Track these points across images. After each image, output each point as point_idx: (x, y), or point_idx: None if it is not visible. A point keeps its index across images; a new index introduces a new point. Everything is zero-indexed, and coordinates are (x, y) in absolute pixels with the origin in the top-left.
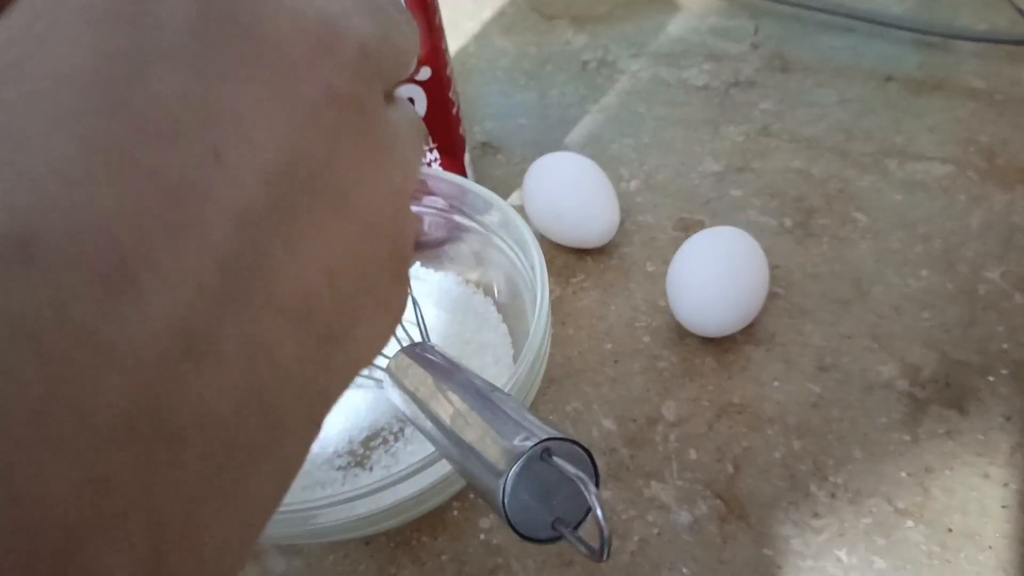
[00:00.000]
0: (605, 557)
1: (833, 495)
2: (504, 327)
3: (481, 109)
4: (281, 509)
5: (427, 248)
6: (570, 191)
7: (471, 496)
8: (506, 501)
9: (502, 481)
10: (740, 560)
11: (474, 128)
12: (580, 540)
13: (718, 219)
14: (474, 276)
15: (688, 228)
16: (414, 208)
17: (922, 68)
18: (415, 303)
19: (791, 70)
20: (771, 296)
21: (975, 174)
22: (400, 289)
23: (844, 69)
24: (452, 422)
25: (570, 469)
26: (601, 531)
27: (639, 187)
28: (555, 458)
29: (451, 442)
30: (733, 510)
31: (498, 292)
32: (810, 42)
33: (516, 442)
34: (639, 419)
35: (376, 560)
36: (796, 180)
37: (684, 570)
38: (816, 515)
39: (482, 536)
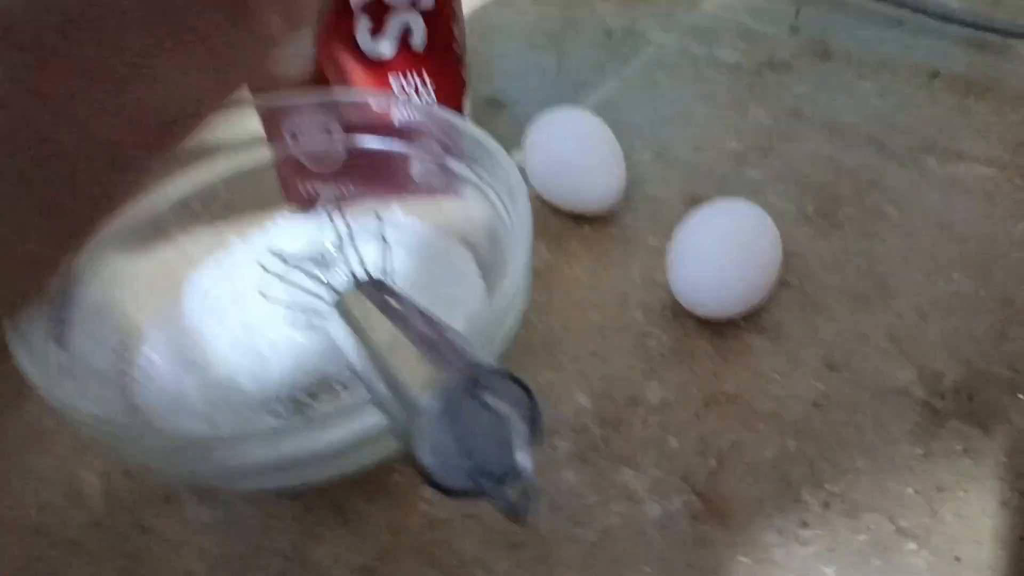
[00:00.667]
0: (524, 517)
1: (827, 505)
2: (482, 284)
3: (493, 65)
4: (198, 438)
5: (418, 196)
6: (573, 150)
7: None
8: (419, 438)
9: (418, 415)
10: (711, 565)
11: (482, 84)
12: (501, 495)
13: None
14: (458, 228)
15: (698, 205)
16: (407, 150)
17: (973, 67)
18: (384, 243)
19: (831, 57)
20: (783, 284)
21: (1021, 180)
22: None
23: (889, 61)
24: (382, 355)
25: (499, 406)
26: (524, 486)
27: (651, 158)
28: (486, 395)
29: (377, 377)
30: (710, 509)
31: (481, 247)
32: (854, 31)
33: (442, 375)
34: (618, 399)
35: (303, 520)
36: (824, 167)
37: (647, 569)
38: (804, 525)
39: (423, 507)
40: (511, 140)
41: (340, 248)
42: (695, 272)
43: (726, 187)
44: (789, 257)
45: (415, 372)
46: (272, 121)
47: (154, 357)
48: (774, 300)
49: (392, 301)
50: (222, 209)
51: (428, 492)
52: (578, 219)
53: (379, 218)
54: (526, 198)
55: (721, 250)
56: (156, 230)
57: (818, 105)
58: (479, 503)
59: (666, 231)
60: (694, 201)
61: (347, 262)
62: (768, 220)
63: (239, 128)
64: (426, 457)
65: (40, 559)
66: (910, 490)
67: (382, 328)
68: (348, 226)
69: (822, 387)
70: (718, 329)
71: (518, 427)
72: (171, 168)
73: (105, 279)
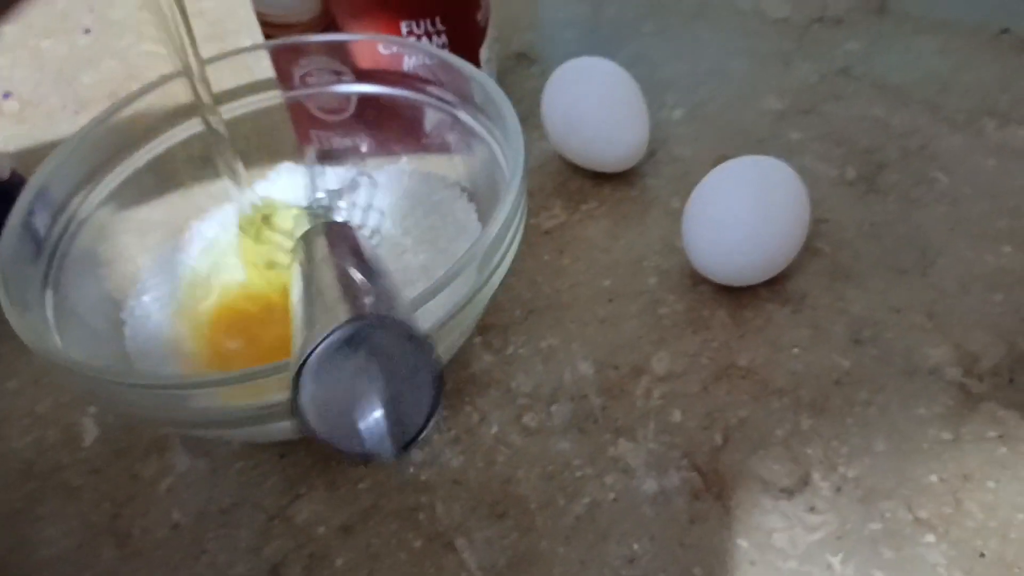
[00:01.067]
0: (366, 460)
1: (839, 489)
2: None
3: (524, 18)
4: (174, 382)
5: (428, 148)
6: (593, 102)
7: None
8: (299, 382)
9: (304, 357)
10: (706, 546)
11: (512, 36)
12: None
13: None
14: (464, 182)
15: None
16: (417, 99)
17: None
18: (374, 185)
19: (888, 12)
20: (811, 251)
21: None
22: None
23: (952, 17)
24: (308, 297)
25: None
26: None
27: (683, 116)
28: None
29: (299, 318)
30: (711, 487)
31: (485, 203)
32: None
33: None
34: (622, 367)
35: (287, 476)
36: (871, 129)
37: (635, 547)
38: (813, 509)
39: (411, 470)
40: (539, 95)
41: (324, 193)
42: (712, 234)
43: (762, 148)
44: (822, 223)
45: (327, 318)
46: (283, 63)
47: (148, 304)
48: (801, 268)
49: (345, 246)
50: (231, 157)
51: (416, 455)
52: (599, 177)
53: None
54: (522, 153)
55: (740, 211)
56: (162, 177)
57: (870, 63)
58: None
59: (690, 193)
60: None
61: (328, 207)
62: (796, 178)
63: (251, 75)
64: (303, 402)
65: (34, 501)
66: (933, 478)
67: (324, 273)
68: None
69: (846, 363)
70: (737, 298)
71: (416, 396)
72: (180, 115)
73: (105, 226)
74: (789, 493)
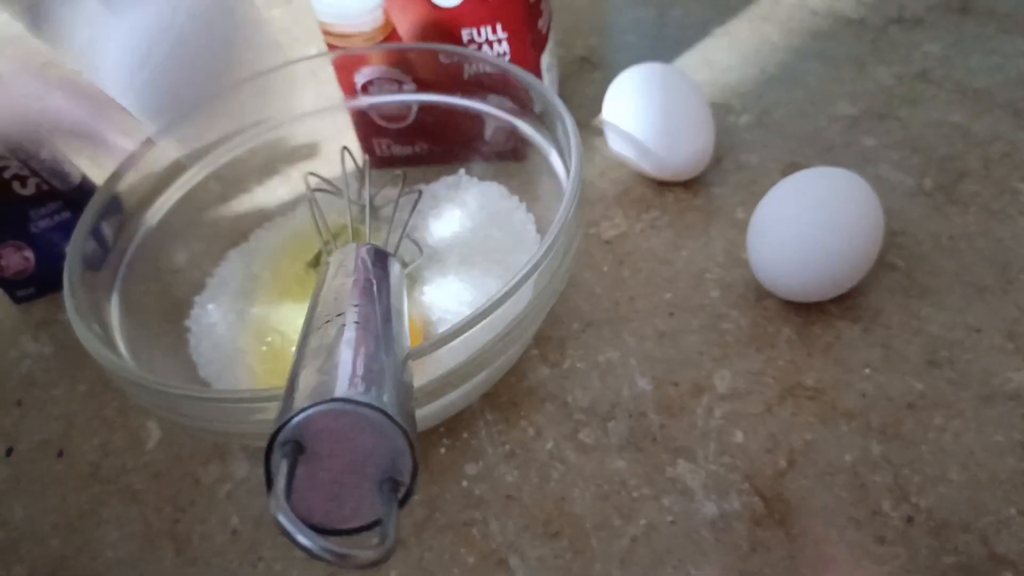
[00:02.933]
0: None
1: (910, 520)
2: None
3: (588, 22)
4: (240, 397)
5: (487, 157)
6: (657, 108)
7: (464, 435)
8: (276, 454)
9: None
10: (768, 575)
11: (575, 41)
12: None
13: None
14: (522, 192)
15: None
16: (477, 108)
17: None
18: (414, 206)
19: (971, 11)
20: (884, 266)
21: None
22: None
23: None
24: (309, 327)
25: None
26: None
27: (750, 122)
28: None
29: (301, 342)
30: (773, 513)
31: (544, 213)
32: None
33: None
34: (682, 384)
35: None
36: (951, 136)
37: (693, 572)
38: (882, 541)
39: (465, 484)
40: (601, 101)
41: (369, 211)
42: (778, 248)
43: (833, 155)
44: (897, 236)
45: (312, 373)
46: (345, 72)
47: (212, 311)
48: (873, 283)
49: (370, 279)
50: (299, 168)
51: (471, 469)
52: (662, 186)
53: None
54: (579, 166)
55: (809, 225)
56: (228, 185)
57: (950, 66)
58: None
59: (758, 203)
60: (794, 170)
61: (367, 225)
62: (869, 191)
63: (320, 91)
64: (277, 481)
65: (99, 503)
66: (1012, 510)
67: (330, 304)
68: (368, 192)
69: (920, 386)
70: (804, 314)
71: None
72: (251, 126)
73: (171, 234)
74: (857, 523)
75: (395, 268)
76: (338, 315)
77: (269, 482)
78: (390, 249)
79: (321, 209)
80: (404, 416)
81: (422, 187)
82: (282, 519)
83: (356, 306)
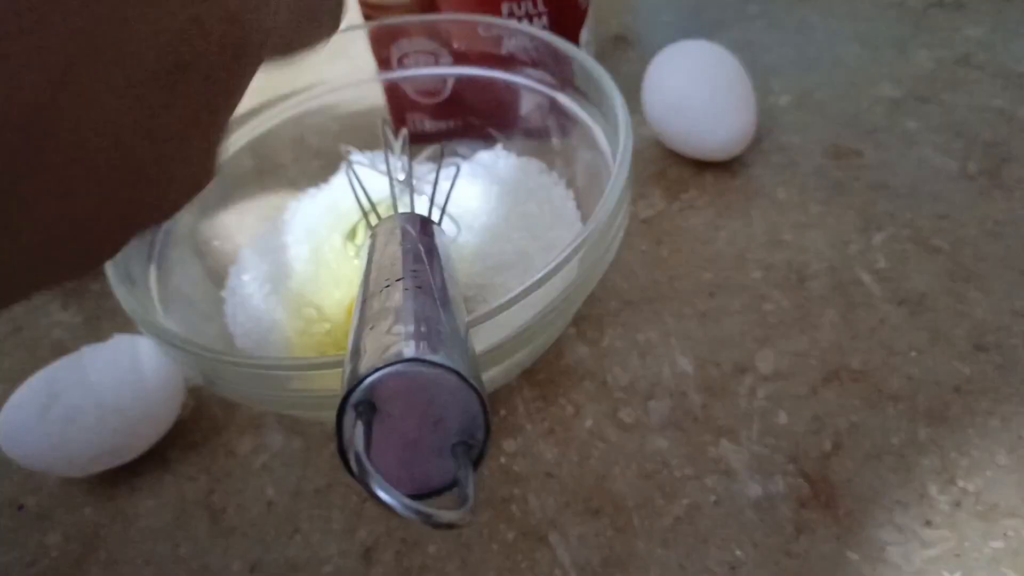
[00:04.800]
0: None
1: (958, 504)
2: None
3: (623, 0)
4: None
5: (525, 133)
6: (697, 86)
7: (501, 411)
8: (347, 418)
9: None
10: (814, 557)
11: (611, 18)
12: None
13: (882, 151)
14: (562, 167)
15: (841, 157)
16: (516, 81)
17: None
18: (454, 179)
19: None
20: (930, 250)
21: None
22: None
23: None
24: (366, 298)
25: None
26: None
27: (790, 103)
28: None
29: (357, 313)
30: (819, 495)
31: (584, 190)
32: None
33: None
34: (724, 365)
35: None
36: (994, 121)
37: (738, 553)
38: (929, 524)
39: (503, 460)
40: (637, 80)
41: (408, 183)
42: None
43: (876, 138)
44: (943, 219)
45: (380, 335)
46: (381, 44)
47: (248, 282)
48: (916, 266)
49: (420, 247)
50: (332, 140)
51: (510, 445)
52: (700, 166)
53: (458, 158)
54: (629, 141)
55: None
56: (261, 157)
57: (993, 50)
58: None
59: (800, 185)
60: (837, 153)
61: (411, 196)
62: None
63: (353, 63)
64: (349, 441)
65: (133, 473)
66: None
67: (382, 287)
68: (410, 164)
69: (966, 370)
70: (848, 296)
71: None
72: (281, 96)
73: (207, 205)
74: (904, 506)
75: (443, 237)
76: (398, 280)
77: (340, 445)
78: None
79: (359, 181)
80: (475, 377)
81: (460, 161)
82: (368, 479)
83: (414, 271)
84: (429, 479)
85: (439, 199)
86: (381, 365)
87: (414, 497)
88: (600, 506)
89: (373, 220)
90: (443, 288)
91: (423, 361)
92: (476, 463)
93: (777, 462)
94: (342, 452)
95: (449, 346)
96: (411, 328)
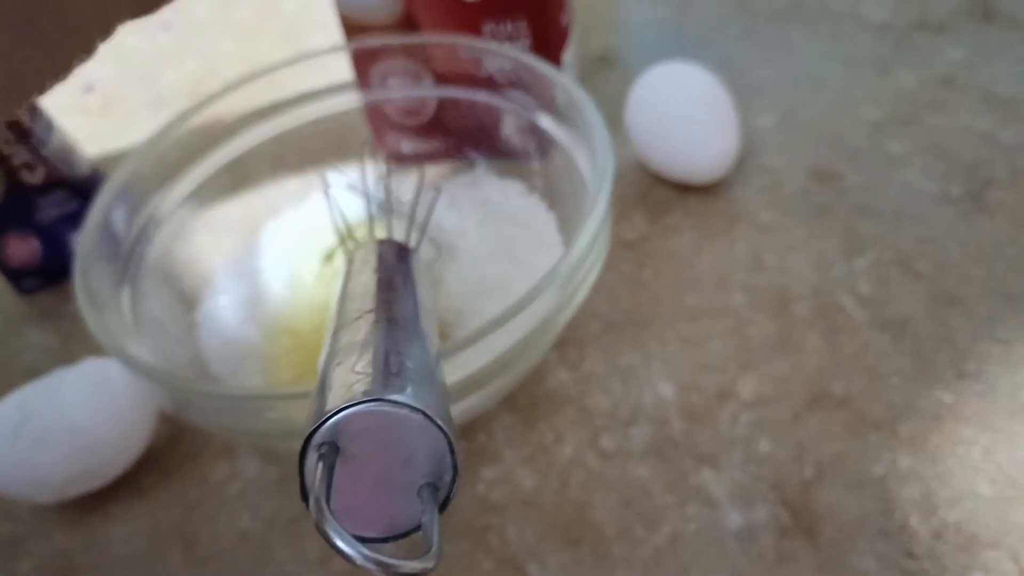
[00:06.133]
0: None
1: (939, 535)
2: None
3: (606, 19)
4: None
5: (507, 155)
6: (681, 110)
7: (480, 437)
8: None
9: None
10: None
11: (593, 38)
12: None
13: (864, 173)
14: (543, 190)
15: (824, 179)
16: (498, 103)
17: None
18: (433, 203)
19: (995, 19)
20: (913, 274)
21: None
22: None
23: None
24: (336, 328)
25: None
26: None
27: (773, 124)
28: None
29: (327, 342)
30: (800, 524)
31: (566, 214)
32: None
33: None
34: (706, 390)
35: None
36: (977, 143)
37: None
38: (910, 555)
39: (481, 487)
40: (620, 101)
41: (387, 206)
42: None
43: (858, 161)
44: (925, 243)
45: (346, 371)
46: (362, 64)
47: (223, 306)
48: (900, 290)
49: (393, 275)
50: (312, 160)
51: (488, 472)
52: (683, 189)
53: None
54: (610, 165)
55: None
56: (239, 178)
57: (975, 72)
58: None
59: (783, 207)
60: (819, 174)
61: (389, 221)
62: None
63: (335, 83)
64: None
65: (107, 499)
66: None
67: (352, 320)
68: (389, 188)
69: (949, 398)
70: (831, 321)
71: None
72: (258, 116)
73: (182, 226)
74: (885, 536)
75: (418, 265)
76: (368, 311)
77: (303, 486)
78: (412, 247)
79: (339, 206)
80: (443, 417)
81: (441, 184)
82: (326, 527)
83: (385, 302)
84: (396, 521)
85: (418, 224)
86: (344, 405)
87: (381, 539)
88: (580, 535)
89: (350, 245)
90: (415, 319)
91: (388, 401)
92: (443, 506)
93: (758, 490)
94: (304, 495)
95: (417, 383)
96: (378, 365)
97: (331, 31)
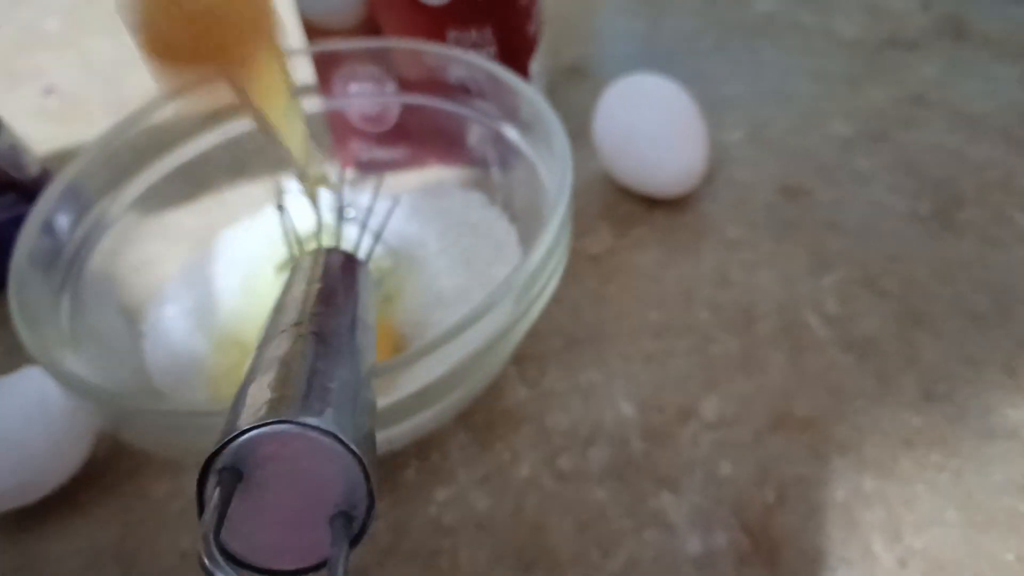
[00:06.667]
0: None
1: (904, 564)
2: None
3: (578, 30)
4: (181, 411)
5: (470, 164)
6: (648, 121)
7: (434, 456)
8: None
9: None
10: None
11: (564, 49)
12: None
13: (833, 190)
14: (505, 201)
15: (792, 195)
16: (461, 112)
17: None
18: (390, 212)
19: (966, 37)
20: (880, 292)
21: None
22: None
23: None
24: (263, 339)
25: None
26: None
27: (743, 139)
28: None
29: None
30: (760, 551)
31: (527, 225)
32: (995, 8)
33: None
34: (668, 410)
35: None
36: (946, 161)
37: None
38: None
39: (433, 509)
40: (590, 112)
41: (340, 214)
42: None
43: (827, 176)
44: (893, 261)
45: (260, 389)
46: (324, 69)
47: (171, 316)
48: (866, 310)
49: (332, 286)
50: (272, 166)
51: (441, 494)
52: (650, 202)
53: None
54: (569, 177)
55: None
56: (194, 183)
57: (945, 90)
58: None
59: (750, 221)
60: (787, 190)
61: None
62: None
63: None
64: (210, 505)
65: (43, 517)
66: (1010, 556)
67: (287, 312)
68: (343, 196)
69: (916, 421)
70: (797, 340)
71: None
72: (215, 119)
73: (130, 231)
74: (848, 563)
75: (365, 275)
76: (295, 324)
77: (202, 512)
78: (362, 257)
79: (290, 214)
80: (361, 442)
81: (400, 194)
82: (208, 564)
83: (316, 315)
84: (307, 552)
85: (371, 232)
86: (249, 426)
87: (290, 572)
88: (534, 560)
89: (298, 254)
90: (350, 334)
91: (298, 423)
92: (357, 538)
93: (719, 515)
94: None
95: (338, 405)
96: (295, 384)
97: (299, 36)
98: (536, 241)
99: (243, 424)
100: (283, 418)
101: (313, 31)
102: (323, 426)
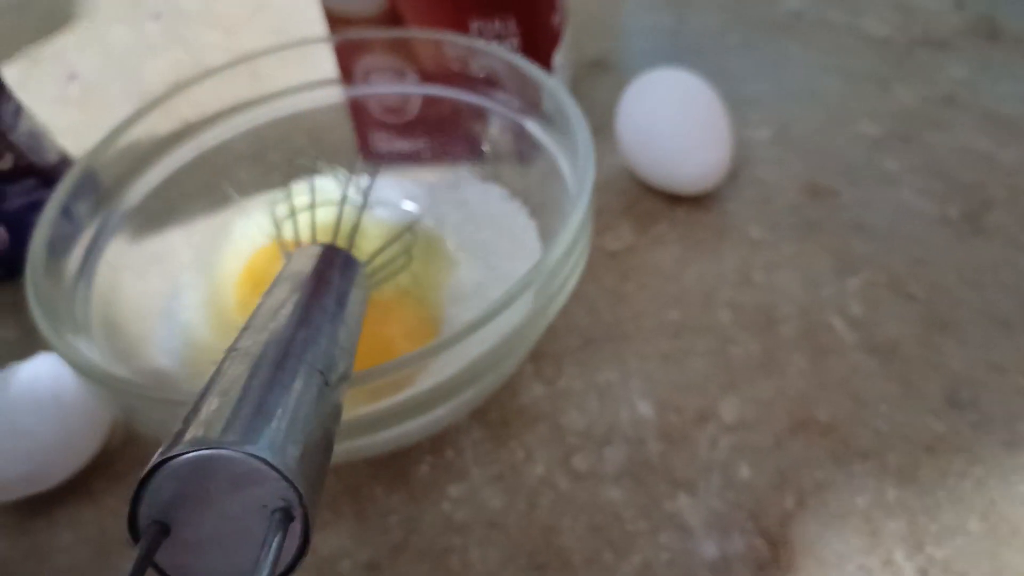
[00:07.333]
0: None
1: (925, 572)
2: None
3: (602, 24)
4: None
5: (490, 158)
6: (672, 117)
7: (448, 453)
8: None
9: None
10: None
11: (588, 43)
12: None
13: (860, 191)
14: (525, 195)
15: (817, 195)
16: (483, 104)
17: None
18: (364, 205)
19: (1000, 38)
20: (905, 296)
21: None
22: None
23: None
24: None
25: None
26: None
27: (768, 137)
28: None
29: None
30: (779, 558)
31: (547, 221)
32: None
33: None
34: (686, 411)
35: None
36: (976, 164)
37: None
38: None
39: (446, 506)
40: (613, 107)
41: (367, 200)
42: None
43: (853, 176)
44: (919, 265)
45: (211, 397)
46: (346, 58)
47: (185, 304)
48: (891, 314)
49: (314, 289)
50: (293, 155)
51: (454, 490)
52: (672, 199)
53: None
54: (591, 172)
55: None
56: (211, 172)
57: (977, 91)
58: None
59: (773, 222)
60: (812, 190)
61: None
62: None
63: (313, 70)
64: (143, 511)
65: (53, 504)
66: None
67: (258, 317)
68: (345, 191)
69: (940, 427)
70: (818, 342)
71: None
72: (234, 109)
73: (148, 221)
74: (868, 572)
75: (352, 270)
76: (259, 332)
77: (135, 538)
78: (351, 252)
79: (295, 207)
80: (302, 462)
81: (421, 184)
82: None
83: (277, 329)
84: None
85: (356, 225)
86: (180, 451)
87: None
88: (546, 561)
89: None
90: (315, 336)
91: (224, 446)
92: (292, 565)
93: (736, 519)
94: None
95: (282, 428)
96: (246, 400)
97: (320, 26)
98: (557, 237)
99: (178, 447)
100: (213, 440)
101: (335, 20)
102: (257, 453)
